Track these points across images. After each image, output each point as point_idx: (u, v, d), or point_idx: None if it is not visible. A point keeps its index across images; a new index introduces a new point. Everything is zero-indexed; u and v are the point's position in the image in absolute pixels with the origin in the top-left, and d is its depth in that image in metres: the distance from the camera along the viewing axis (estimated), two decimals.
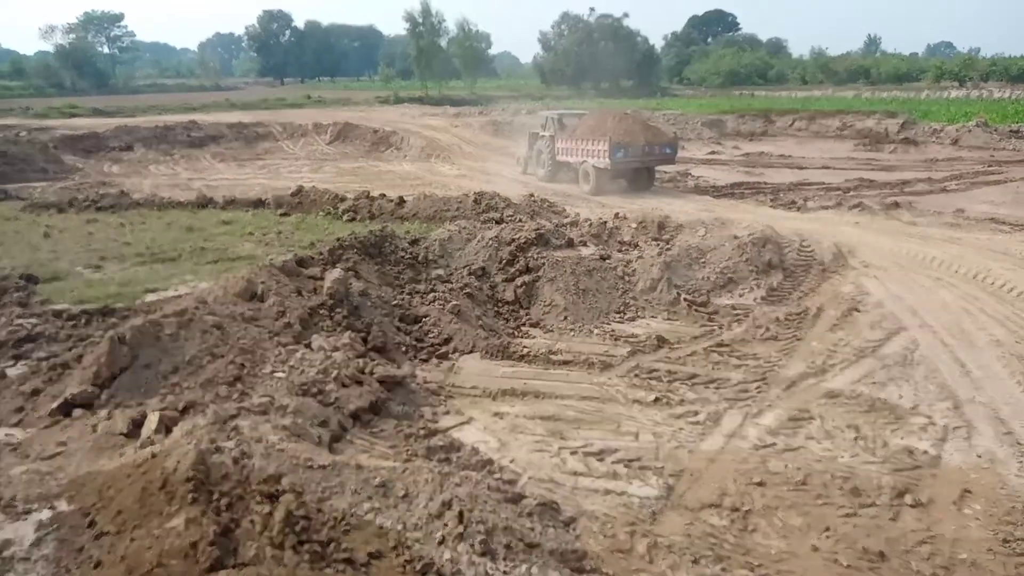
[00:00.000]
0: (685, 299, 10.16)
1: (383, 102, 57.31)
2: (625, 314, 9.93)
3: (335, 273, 9.27)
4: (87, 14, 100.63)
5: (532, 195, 17.41)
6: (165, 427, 5.90)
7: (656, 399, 7.40)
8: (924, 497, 5.65)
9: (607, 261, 10.87)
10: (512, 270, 10.58)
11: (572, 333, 9.35)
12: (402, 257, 10.94)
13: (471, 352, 8.64)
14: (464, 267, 10.75)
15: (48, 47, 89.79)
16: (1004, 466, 6.10)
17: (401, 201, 16.66)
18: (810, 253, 12.18)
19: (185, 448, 4.89)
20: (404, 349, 8.61)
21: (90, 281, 11.31)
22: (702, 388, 7.71)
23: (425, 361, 8.46)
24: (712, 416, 7.02)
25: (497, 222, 13.64)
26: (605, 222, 13.55)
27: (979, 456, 6.28)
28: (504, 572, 4.26)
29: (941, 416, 7.00)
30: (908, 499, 5.61)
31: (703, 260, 11.38)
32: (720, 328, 9.51)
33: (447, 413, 7.15)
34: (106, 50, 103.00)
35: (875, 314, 9.74)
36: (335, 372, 6.98)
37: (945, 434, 6.66)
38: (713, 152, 29.99)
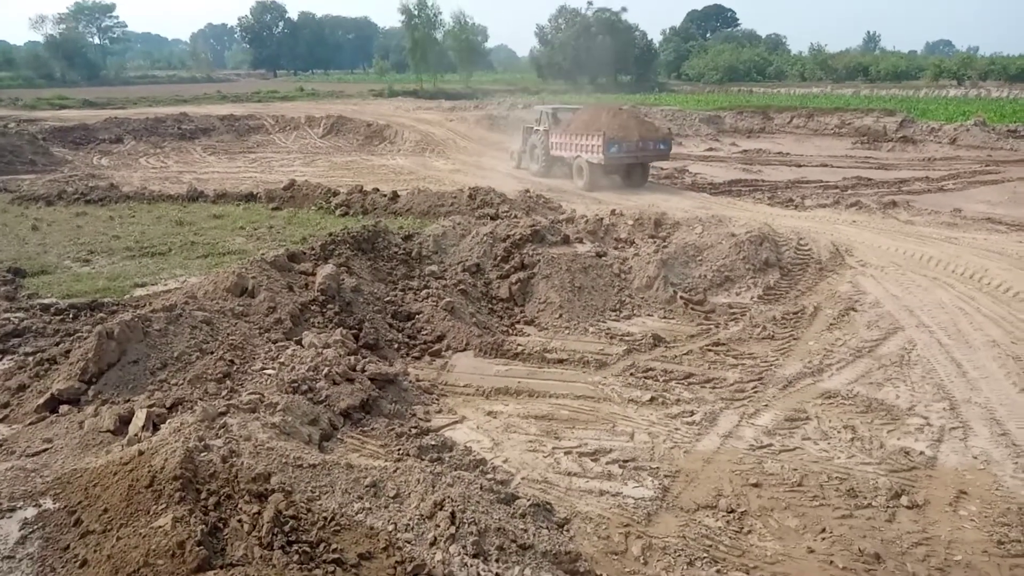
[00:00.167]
0: (681, 297, 10.11)
1: (377, 95, 57.10)
2: (621, 312, 9.87)
3: (327, 269, 9.18)
4: (78, 4, 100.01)
5: (528, 191, 17.35)
6: (153, 424, 5.82)
7: (652, 399, 7.34)
8: (920, 498, 5.63)
9: (603, 258, 10.80)
10: (507, 267, 10.50)
11: (567, 331, 9.28)
12: (395, 253, 10.85)
13: (464, 350, 8.57)
14: (458, 263, 10.67)
15: (38, 37, 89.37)
16: (1000, 467, 6.09)
17: (395, 196, 16.56)
18: (807, 252, 12.15)
19: (173, 446, 4.82)
20: (396, 346, 8.53)
21: (78, 275, 11.20)
22: (698, 388, 7.66)
23: (418, 359, 8.39)
24: (708, 416, 6.97)
25: (492, 218, 13.57)
26: (601, 219, 13.48)
27: (975, 457, 6.26)
28: (497, 574, 4.21)
29: (937, 417, 6.98)
30: (904, 500, 5.58)
31: (700, 258, 11.33)
32: (716, 327, 9.47)
33: (439, 412, 7.09)
34: (97, 41, 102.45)
35: (872, 314, 9.72)
36: (326, 369, 6.90)
37: (941, 435, 6.64)
38: (711, 149, 29.97)
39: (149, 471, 4.61)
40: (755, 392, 7.54)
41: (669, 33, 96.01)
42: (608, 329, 9.31)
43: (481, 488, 5.00)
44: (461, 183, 19.23)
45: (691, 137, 33.23)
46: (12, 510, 4.77)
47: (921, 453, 6.31)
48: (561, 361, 8.31)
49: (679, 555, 4.91)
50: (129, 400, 6.41)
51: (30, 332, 8.56)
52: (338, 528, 4.41)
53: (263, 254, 9.69)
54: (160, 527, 4.14)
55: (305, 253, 9.99)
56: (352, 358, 7.47)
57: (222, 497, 4.52)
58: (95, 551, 4.21)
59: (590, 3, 77.43)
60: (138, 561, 3.96)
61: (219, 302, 8.07)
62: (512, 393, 7.50)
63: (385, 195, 16.66)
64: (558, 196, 17.96)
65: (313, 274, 9.27)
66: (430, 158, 27.62)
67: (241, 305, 8.12)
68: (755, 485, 5.79)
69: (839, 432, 6.66)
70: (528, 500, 5.11)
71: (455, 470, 5.45)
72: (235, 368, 6.96)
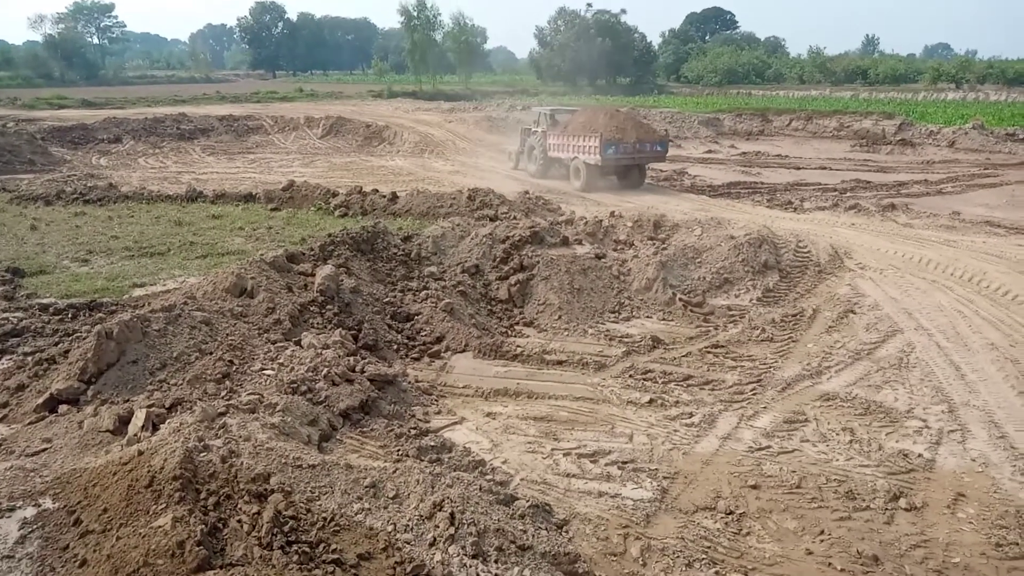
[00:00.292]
0: (680, 299, 10.12)
1: (376, 96, 57.14)
2: (620, 314, 9.88)
3: (326, 269, 9.18)
4: (77, 4, 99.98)
5: (527, 192, 17.37)
6: (152, 424, 5.82)
7: (650, 400, 7.35)
8: (918, 501, 5.63)
9: (602, 260, 10.81)
10: (506, 268, 10.51)
11: (566, 333, 9.28)
12: (394, 254, 10.85)
13: (463, 351, 8.57)
14: (457, 265, 10.67)
15: (37, 37, 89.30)
16: (998, 470, 6.09)
17: (394, 197, 16.57)
18: (806, 254, 12.16)
19: (172, 446, 4.82)
20: (395, 347, 8.53)
21: (77, 275, 11.19)
22: (697, 390, 7.67)
23: (417, 360, 8.39)
24: (707, 418, 6.98)
25: (491, 219, 13.58)
26: (600, 220, 13.49)
27: (973, 460, 6.27)
28: (496, 574, 4.21)
29: (936, 419, 6.99)
30: (902, 503, 5.59)
31: (699, 260, 11.34)
32: (715, 329, 9.47)
33: (439, 413, 7.09)
34: (96, 40, 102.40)
35: (871, 316, 9.73)
36: (325, 370, 6.90)
37: (940, 437, 6.65)
38: (710, 151, 30.02)
39: (149, 471, 4.61)
40: (754, 394, 7.55)
41: (668, 35, 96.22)
42: (607, 331, 9.31)
43: (480, 489, 5.01)
44: (460, 184, 19.24)
45: (690, 139, 33.27)
46: (12, 510, 4.77)
47: (919, 455, 6.32)
48: (560, 362, 8.31)
49: (678, 556, 4.92)
50: (128, 400, 6.40)
51: (29, 332, 8.56)
52: (337, 528, 4.41)
53: (262, 255, 9.69)
54: (160, 527, 4.14)
55: (304, 254, 9.98)
56: (351, 359, 7.47)
57: (222, 497, 4.52)
58: (95, 551, 4.21)
59: (589, 5, 77.62)
60: (138, 561, 3.97)
61: (218, 302, 8.07)
62: (511, 394, 7.51)
63: (384, 196, 16.66)
64: (557, 198, 17.98)
65: (312, 275, 9.26)
66: (429, 159, 27.63)
67: (240, 306, 8.12)
68: (754, 487, 5.79)
69: (838, 434, 6.67)
70: (527, 501, 5.11)
71: (454, 471, 5.45)
72: (234, 368, 6.96)
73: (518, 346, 8.72)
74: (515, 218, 13.07)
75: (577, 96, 58.38)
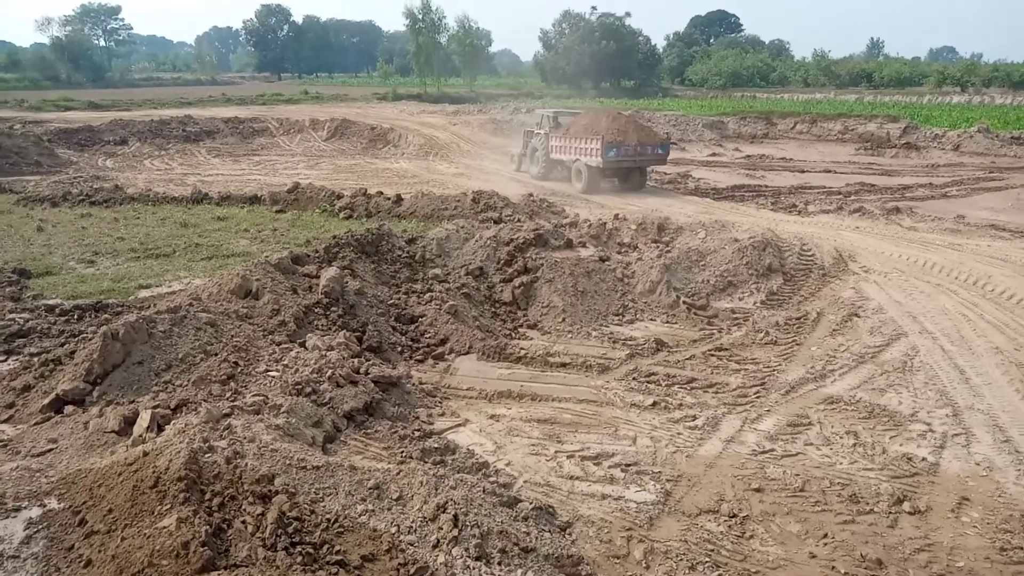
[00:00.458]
0: (684, 302, 10.12)
1: (381, 99, 57.33)
2: (624, 317, 9.88)
3: (331, 271, 9.20)
4: (84, 6, 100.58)
5: (531, 195, 17.40)
6: (157, 425, 5.85)
7: (654, 403, 7.35)
8: (922, 504, 5.62)
9: (606, 263, 10.81)
10: (510, 270, 10.52)
11: (570, 335, 9.29)
12: (399, 256, 10.88)
13: (467, 353, 8.58)
14: (461, 267, 10.69)
15: (44, 39, 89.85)
16: (1002, 474, 6.08)
17: (398, 199, 16.60)
18: (810, 257, 12.14)
19: (177, 447, 4.84)
20: (400, 349, 8.55)
21: (83, 276, 11.25)
22: (700, 392, 7.66)
23: (421, 362, 8.40)
24: (710, 421, 6.97)
25: (495, 222, 13.60)
26: (604, 223, 13.49)
27: (977, 464, 6.25)
28: None
29: (940, 423, 6.97)
30: (906, 506, 5.58)
31: (703, 263, 11.34)
32: (719, 332, 9.47)
33: (442, 415, 7.10)
34: (102, 43, 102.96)
35: (875, 319, 9.71)
36: (329, 372, 6.92)
37: (944, 441, 6.63)
38: (714, 154, 30.00)
39: (154, 472, 4.63)
40: (758, 397, 7.54)
41: (673, 38, 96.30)
42: (611, 333, 9.32)
43: (484, 491, 5.01)
44: (465, 187, 19.27)
45: (694, 142, 33.25)
46: (17, 510, 4.78)
47: (924, 459, 6.30)
48: (564, 365, 8.32)
49: (681, 559, 4.92)
50: (134, 401, 6.43)
51: (35, 333, 8.60)
52: (341, 530, 4.42)
53: (267, 256, 9.72)
54: (164, 528, 4.16)
55: (309, 256, 10.01)
56: (355, 361, 7.49)
57: (226, 498, 4.54)
58: (99, 551, 4.23)
59: (594, 8, 77.78)
60: (142, 561, 3.98)
61: (223, 304, 8.10)
62: (515, 396, 7.51)
63: (389, 198, 16.70)
64: (561, 200, 18.01)
65: (317, 277, 9.29)
66: (434, 162, 27.68)
67: (245, 307, 8.14)
68: (757, 490, 5.79)
69: (841, 438, 6.66)
70: (530, 503, 5.11)
71: (458, 473, 5.46)
72: (239, 370, 6.98)
73: (522, 348, 8.73)
74: (519, 221, 13.08)
75: (581, 99, 58.43)
